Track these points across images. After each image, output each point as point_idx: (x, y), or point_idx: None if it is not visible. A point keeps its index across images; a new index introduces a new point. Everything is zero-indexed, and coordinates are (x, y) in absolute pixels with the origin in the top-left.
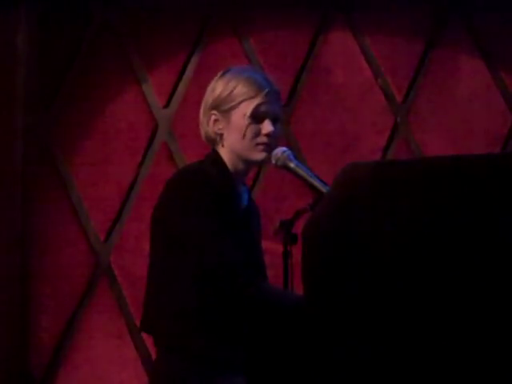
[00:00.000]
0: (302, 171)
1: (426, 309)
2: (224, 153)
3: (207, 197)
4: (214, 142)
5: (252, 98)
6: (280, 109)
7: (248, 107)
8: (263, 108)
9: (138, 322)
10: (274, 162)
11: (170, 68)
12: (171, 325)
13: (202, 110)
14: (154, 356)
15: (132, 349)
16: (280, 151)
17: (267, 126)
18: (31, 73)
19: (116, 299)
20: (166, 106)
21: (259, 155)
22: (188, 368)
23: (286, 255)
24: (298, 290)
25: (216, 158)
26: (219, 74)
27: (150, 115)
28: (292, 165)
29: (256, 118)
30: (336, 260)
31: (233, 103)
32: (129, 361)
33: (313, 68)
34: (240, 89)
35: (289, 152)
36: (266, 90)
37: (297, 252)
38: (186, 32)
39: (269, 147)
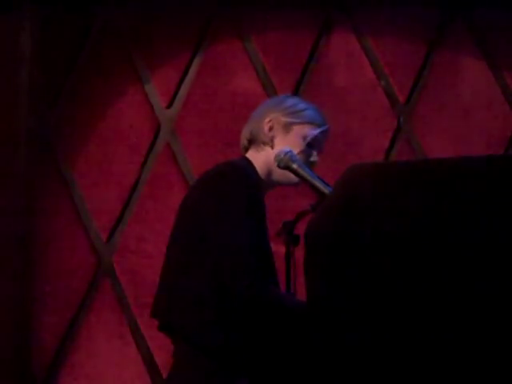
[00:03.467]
0: (304, 172)
1: (429, 309)
2: (259, 158)
3: (243, 195)
4: (261, 143)
5: (317, 125)
6: None
7: (311, 131)
8: (320, 139)
9: (140, 322)
10: (277, 163)
11: (172, 68)
12: (187, 317)
13: (258, 113)
14: (155, 356)
15: (134, 348)
16: (283, 152)
17: (316, 156)
18: (34, 73)
19: (118, 299)
20: (169, 106)
21: (295, 180)
22: (208, 367)
23: (289, 256)
24: (301, 290)
25: (249, 164)
26: (283, 96)
27: (153, 115)
28: (294, 166)
29: (310, 144)
30: (338, 261)
31: (299, 120)
32: (130, 360)
33: (315, 69)
34: (310, 112)
35: (291, 153)
36: (328, 126)
37: (299, 253)
38: (188, 32)
39: None
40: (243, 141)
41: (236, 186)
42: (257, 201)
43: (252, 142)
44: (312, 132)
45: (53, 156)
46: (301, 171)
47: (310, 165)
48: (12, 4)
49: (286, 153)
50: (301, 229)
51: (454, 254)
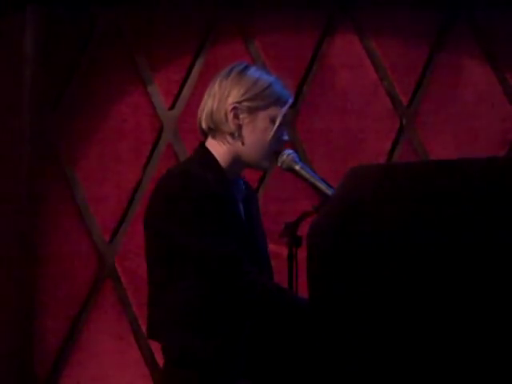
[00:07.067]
0: (307, 173)
1: (430, 311)
2: (223, 148)
3: (198, 202)
4: (227, 134)
5: (282, 104)
6: None
7: (277, 113)
8: (287, 116)
9: (141, 324)
10: (279, 164)
11: (175, 69)
12: (172, 336)
13: (216, 99)
14: (157, 357)
15: (136, 350)
16: (285, 153)
17: (286, 134)
18: (37, 74)
19: (120, 300)
20: (172, 107)
21: (269, 164)
22: (193, 380)
23: (291, 258)
24: (303, 292)
25: (207, 156)
26: (239, 66)
27: (156, 117)
28: (297, 167)
29: (280, 124)
30: (341, 262)
31: (264, 102)
32: (132, 362)
33: (318, 70)
34: (272, 90)
35: (294, 154)
36: (291, 99)
37: (302, 254)
38: (191, 33)
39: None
40: (201, 124)
41: (185, 197)
42: (213, 203)
43: (214, 130)
44: (280, 112)
45: (55, 157)
46: (303, 172)
47: (282, 144)
48: (15, 5)
49: (289, 154)
50: (303, 230)
51: (456, 256)
